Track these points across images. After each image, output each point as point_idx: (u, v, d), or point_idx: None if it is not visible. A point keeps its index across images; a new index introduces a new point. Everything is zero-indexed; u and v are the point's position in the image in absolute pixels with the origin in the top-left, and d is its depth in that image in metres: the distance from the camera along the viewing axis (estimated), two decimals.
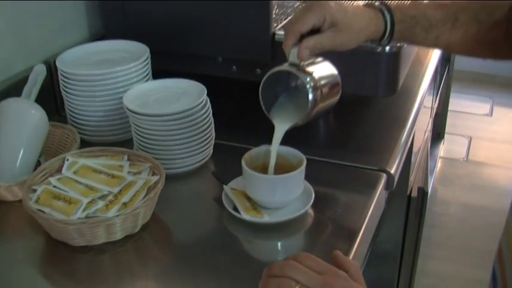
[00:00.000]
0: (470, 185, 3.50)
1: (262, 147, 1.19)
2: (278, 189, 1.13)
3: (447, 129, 3.73)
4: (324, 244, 1.11)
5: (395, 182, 1.29)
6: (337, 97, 1.19)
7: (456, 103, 4.04)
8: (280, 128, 1.15)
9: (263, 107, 1.15)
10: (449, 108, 3.65)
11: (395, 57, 1.34)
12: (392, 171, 1.28)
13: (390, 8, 1.13)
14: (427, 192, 2.20)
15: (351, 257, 1.06)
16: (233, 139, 1.39)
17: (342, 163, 1.32)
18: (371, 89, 1.37)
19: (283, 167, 1.16)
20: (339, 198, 1.23)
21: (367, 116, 1.53)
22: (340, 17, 1.08)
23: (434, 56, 1.86)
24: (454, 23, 1.14)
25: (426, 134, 2.43)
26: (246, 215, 1.13)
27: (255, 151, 1.19)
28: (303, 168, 1.13)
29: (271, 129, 1.25)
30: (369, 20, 1.12)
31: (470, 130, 4.02)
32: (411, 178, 1.99)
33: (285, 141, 1.17)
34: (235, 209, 1.15)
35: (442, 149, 3.72)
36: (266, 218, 1.13)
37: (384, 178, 1.27)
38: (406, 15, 1.14)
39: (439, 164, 3.66)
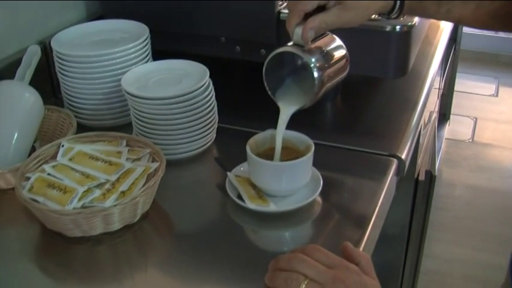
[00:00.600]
0: (475, 166, 3.45)
1: (268, 132, 1.14)
2: (285, 177, 1.08)
3: (453, 110, 3.68)
4: (333, 233, 1.06)
5: (406, 168, 1.24)
6: (346, 72, 1.13)
7: (462, 83, 3.98)
8: (286, 110, 1.10)
9: (268, 89, 1.10)
10: (454, 89, 3.60)
11: (405, 37, 1.28)
12: (403, 157, 1.23)
13: None
14: (435, 176, 2.16)
15: (361, 246, 1.02)
16: (237, 123, 1.34)
17: (351, 148, 1.27)
18: (381, 71, 1.32)
19: (290, 153, 1.11)
20: (348, 185, 1.19)
21: (376, 98, 1.48)
22: None
23: (444, 36, 1.81)
24: None
25: (433, 115, 2.39)
26: (251, 204, 1.08)
27: (260, 136, 1.14)
28: (310, 154, 1.08)
29: (277, 112, 1.20)
30: None
31: (476, 111, 3.96)
32: (419, 161, 1.94)
33: (291, 125, 1.12)
34: (240, 197, 1.10)
35: (448, 130, 3.67)
36: (272, 207, 1.08)
37: (394, 164, 1.22)
38: None
39: (444, 146, 3.60)
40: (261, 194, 1.11)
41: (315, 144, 1.10)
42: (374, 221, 1.07)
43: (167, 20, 1.42)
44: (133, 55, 1.28)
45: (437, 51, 1.69)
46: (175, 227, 1.09)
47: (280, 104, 1.10)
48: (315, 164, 1.12)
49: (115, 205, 0.98)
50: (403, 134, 1.30)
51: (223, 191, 1.12)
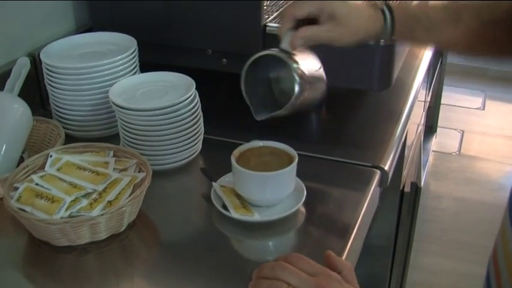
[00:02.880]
0: (462, 179, 3.48)
1: (253, 143, 1.16)
2: (269, 187, 1.10)
3: (439, 122, 3.71)
4: (316, 243, 1.08)
5: (389, 179, 1.26)
6: (322, 95, 1.16)
7: (448, 96, 4.01)
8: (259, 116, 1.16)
9: (243, 91, 1.14)
10: (441, 102, 3.63)
11: (389, 51, 1.31)
12: (386, 168, 1.25)
13: (391, 7, 1.10)
14: (420, 187, 2.18)
15: (344, 256, 1.03)
16: (223, 134, 1.36)
17: (335, 159, 1.29)
18: (365, 83, 1.34)
19: (277, 158, 1.14)
20: (332, 196, 1.20)
21: (360, 110, 1.50)
22: (340, 11, 1.06)
23: (428, 49, 1.83)
24: (457, 22, 1.11)
25: (419, 128, 2.41)
26: (235, 214, 1.09)
27: (245, 146, 1.15)
28: (294, 164, 1.10)
29: (261, 123, 1.22)
30: (369, 17, 1.10)
31: (463, 124, 4.00)
32: (404, 173, 1.96)
33: (276, 136, 1.14)
34: (225, 206, 1.11)
35: (435, 143, 3.70)
36: (256, 217, 1.09)
37: (377, 175, 1.24)
38: (407, 15, 1.12)
39: (431, 158, 3.63)
40: (245, 203, 1.12)
41: (300, 155, 1.12)
42: (357, 231, 1.09)
43: (155, 32, 1.44)
44: (121, 67, 1.30)
45: (421, 64, 1.72)
46: (161, 236, 1.10)
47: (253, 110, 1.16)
48: (299, 174, 1.13)
49: (102, 214, 1.00)
50: (387, 146, 1.32)
51: (208, 201, 1.13)
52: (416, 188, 2.13)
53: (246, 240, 1.10)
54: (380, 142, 1.33)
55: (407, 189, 1.99)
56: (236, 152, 1.13)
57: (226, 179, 1.18)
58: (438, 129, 3.73)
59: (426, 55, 1.78)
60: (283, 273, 0.83)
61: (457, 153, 3.72)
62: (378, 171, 1.24)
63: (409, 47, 1.62)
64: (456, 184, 3.43)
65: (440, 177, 3.50)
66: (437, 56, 3.16)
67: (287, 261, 0.85)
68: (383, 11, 1.10)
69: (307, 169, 1.17)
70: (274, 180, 1.10)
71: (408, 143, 1.99)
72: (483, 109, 4.23)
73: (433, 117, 3.61)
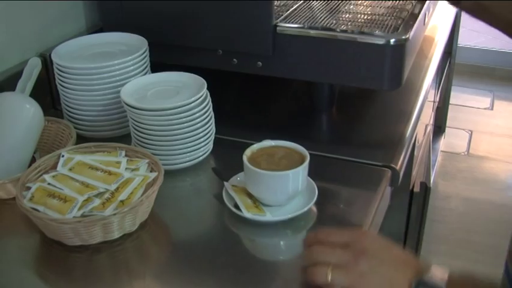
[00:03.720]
0: (471, 179, 3.47)
1: (265, 143, 1.16)
2: (280, 186, 1.10)
3: (448, 122, 3.70)
4: None
5: (400, 178, 1.26)
6: None
7: (457, 96, 4.00)
8: None
9: None
10: (450, 102, 3.62)
11: (400, 50, 1.30)
12: (397, 167, 1.25)
13: None
14: (430, 188, 2.18)
15: None
16: (235, 134, 1.36)
17: (346, 158, 1.29)
18: (376, 83, 1.33)
19: (289, 158, 1.14)
20: (343, 195, 1.20)
21: (370, 110, 1.50)
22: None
23: (438, 49, 1.83)
24: None
25: (428, 128, 2.41)
26: (247, 213, 1.10)
27: (257, 146, 1.16)
28: (306, 164, 1.10)
29: (273, 123, 1.22)
30: None
31: (471, 124, 3.99)
32: (414, 173, 1.96)
33: (287, 135, 1.15)
34: (237, 206, 1.12)
35: (443, 143, 3.69)
36: (268, 216, 1.10)
37: (388, 174, 1.24)
38: None
39: (440, 158, 3.62)
40: (257, 203, 1.12)
41: (311, 154, 1.12)
42: (369, 230, 1.09)
43: (165, 32, 1.44)
44: (132, 67, 1.30)
45: (431, 64, 1.71)
46: (173, 236, 1.11)
47: None
48: (311, 174, 1.13)
49: (114, 214, 1.00)
50: (398, 145, 1.32)
51: (220, 200, 1.14)
52: (425, 188, 2.13)
53: (258, 239, 1.10)
54: (390, 142, 1.34)
55: (416, 189, 1.99)
56: (248, 152, 1.14)
57: (238, 179, 1.18)
58: (447, 129, 3.72)
59: (436, 55, 1.78)
60: (321, 256, 0.88)
61: (466, 153, 3.72)
62: (389, 171, 1.24)
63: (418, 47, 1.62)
64: (465, 184, 3.43)
65: (449, 177, 3.49)
66: (446, 56, 3.16)
67: (318, 240, 0.89)
68: None
69: (318, 169, 1.17)
70: (286, 180, 1.10)
71: (418, 143, 1.99)
72: (491, 109, 4.22)
73: (442, 117, 3.60)
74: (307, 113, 1.49)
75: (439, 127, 3.59)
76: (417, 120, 1.45)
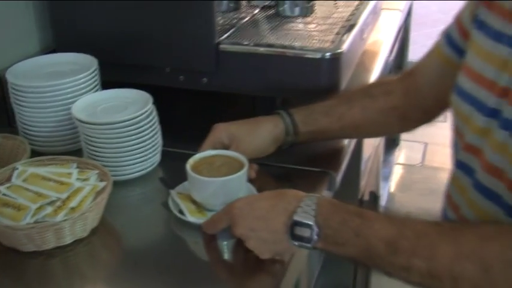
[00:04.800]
0: (426, 189, 3.56)
1: (207, 152, 1.24)
2: (222, 192, 1.17)
3: (403, 136, 3.80)
4: None
5: (337, 182, 1.34)
6: None
7: None
8: None
9: None
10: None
11: (335, 63, 1.40)
12: (334, 172, 1.33)
13: (290, 112, 1.32)
14: (379, 196, 2.27)
15: (294, 257, 1.10)
16: (182, 146, 1.42)
17: (288, 166, 1.37)
18: (312, 94, 1.41)
19: (229, 165, 1.21)
20: None
21: None
22: (239, 133, 1.29)
23: (380, 61, 1.91)
24: (349, 102, 1.32)
25: (377, 141, 2.49)
26: (191, 217, 1.17)
27: (199, 156, 1.24)
28: (244, 170, 1.18)
29: None
30: (268, 132, 1.31)
31: (426, 136, 4.09)
32: (362, 183, 2.04)
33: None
34: (181, 212, 1.19)
35: (398, 156, 3.79)
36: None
37: (326, 179, 1.32)
38: (307, 112, 1.33)
39: (395, 170, 3.73)
40: (200, 208, 1.20)
41: (255, 163, 1.20)
42: None
43: (115, 52, 1.51)
44: (82, 85, 1.37)
45: (372, 77, 1.80)
46: (123, 242, 1.18)
47: None
48: (253, 181, 1.22)
49: (65, 220, 1.07)
50: (336, 154, 1.41)
51: (167, 208, 1.20)
52: (374, 197, 2.23)
53: (202, 241, 1.16)
54: (330, 150, 1.42)
55: (366, 198, 2.07)
56: (191, 161, 1.21)
57: (183, 187, 1.25)
58: (402, 142, 3.83)
59: (377, 68, 1.87)
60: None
61: (421, 164, 3.82)
62: (328, 176, 1.32)
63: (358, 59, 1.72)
64: (420, 195, 3.52)
65: (405, 188, 3.59)
66: (397, 71, 3.25)
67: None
68: (281, 116, 1.31)
69: (262, 176, 1.26)
70: (227, 185, 1.17)
71: (365, 155, 2.08)
72: (445, 121, 4.31)
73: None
74: None
75: (393, 140, 3.69)
76: None
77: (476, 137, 1.05)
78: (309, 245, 0.99)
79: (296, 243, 1.00)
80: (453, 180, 1.14)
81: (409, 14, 2.92)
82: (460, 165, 1.11)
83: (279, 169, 1.37)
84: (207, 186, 1.18)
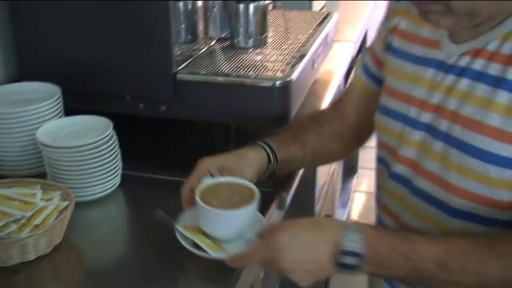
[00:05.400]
0: None
1: (213, 179, 1.22)
2: (239, 223, 1.15)
3: (360, 164, 3.90)
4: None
5: (287, 202, 1.43)
6: None
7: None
8: None
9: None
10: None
11: (285, 91, 1.49)
12: (284, 193, 1.42)
13: (268, 143, 1.35)
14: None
15: (242, 274, 1.17)
16: (143, 170, 1.50)
17: None
18: (265, 121, 1.52)
19: (238, 193, 1.19)
20: None
21: None
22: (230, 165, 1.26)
23: (331, 90, 2.01)
24: (305, 129, 1.42)
25: (332, 168, 2.58)
26: (213, 253, 1.13)
27: (204, 185, 1.20)
28: (259, 198, 1.17)
29: (177, 159, 1.38)
30: (255, 161, 1.31)
31: None
32: (317, 207, 2.13)
33: (190, 170, 1.28)
34: (197, 246, 1.15)
35: (356, 183, 3.89)
36: (230, 252, 1.14)
37: (276, 198, 1.40)
38: (274, 138, 1.38)
39: (357, 198, 3.83)
40: (214, 240, 1.17)
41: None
42: None
43: (78, 81, 1.58)
44: (46, 112, 1.44)
45: (323, 104, 1.89)
46: (84, 258, 1.25)
47: None
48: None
49: (30, 236, 1.14)
50: (287, 176, 1.49)
51: (128, 227, 1.28)
52: None
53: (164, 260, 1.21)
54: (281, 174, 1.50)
55: None
56: (199, 191, 1.17)
57: (188, 219, 1.21)
58: (359, 170, 3.93)
59: (329, 95, 1.96)
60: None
61: None
62: (277, 196, 1.41)
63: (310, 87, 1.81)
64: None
65: (363, 215, 3.68)
66: None
67: None
68: (260, 145, 1.34)
69: None
70: (244, 216, 1.15)
71: (320, 181, 2.18)
72: None
73: (353, 159, 3.80)
74: (208, 150, 1.64)
75: (351, 168, 3.79)
76: None
77: (412, 150, 1.19)
78: (355, 271, 1.02)
79: (342, 270, 1.03)
80: (389, 192, 1.26)
81: (363, 43, 3.03)
82: (395, 177, 1.23)
83: None
84: (224, 219, 1.15)
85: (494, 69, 1.07)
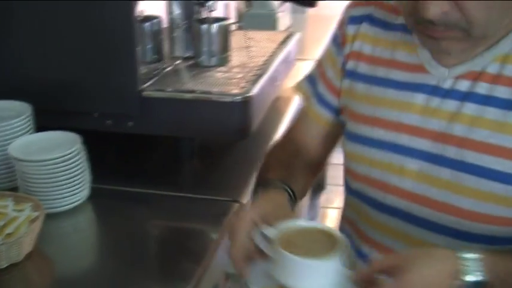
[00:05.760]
0: None
1: (292, 223, 1.06)
2: (326, 274, 0.98)
3: (329, 180, 3.97)
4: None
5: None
6: None
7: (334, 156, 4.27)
8: None
9: None
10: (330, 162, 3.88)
11: (245, 106, 1.57)
12: (244, 201, 1.49)
13: (290, 187, 1.23)
14: None
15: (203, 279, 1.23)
16: (112, 183, 1.56)
17: (204, 197, 1.52)
18: (226, 134, 1.60)
19: (319, 241, 1.02)
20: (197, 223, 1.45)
21: (227, 158, 1.75)
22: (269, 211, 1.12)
23: (293, 106, 2.09)
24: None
25: None
26: None
27: (284, 227, 1.04)
28: (346, 244, 1.02)
29: (144, 172, 1.45)
30: (286, 201, 1.20)
31: None
32: None
33: (156, 182, 1.38)
34: None
35: (324, 199, 3.96)
36: None
37: (235, 207, 1.47)
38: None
39: (324, 213, 3.90)
40: None
41: (175, 197, 1.39)
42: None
43: (48, 99, 1.63)
44: (17, 128, 1.50)
45: (285, 120, 1.98)
46: (54, 266, 1.31)
47: None
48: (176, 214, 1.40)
49: (2, 244, 1.21)
50: (245, 184, 1.57)
51: (98, 238, 1.36)
52: None
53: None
54: (241, 182, 1.58)
55: None
56: (278, 240, 1.00)
57: (257, 279, 1.05)
58: (328, 186, 3.99)
59: (290, 112, 2.04)
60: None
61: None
62: (237, 204, 1.48)
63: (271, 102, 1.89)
64: None
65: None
66: None
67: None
68: (276, 184, 1.22)
69: (181, 208, 1.45)
70: (333, 266, 0.98)
71: None
72: None
73: (322, 176, 3.87)
74: (174, 162, 1.73)
75: (319, 185, 3.85)
76: None
77: (409, 180, 1.16)
78: None
79: None
80: (377, 226, 1.25)
81: None
82: (387, 210, 1.21)
83: (198, 200, 1.52)
84: (311, 270, 0.97)
85: (501, 92, 1.08)
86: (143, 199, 1.37)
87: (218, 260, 1.31)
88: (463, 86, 1.12)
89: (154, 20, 1.82)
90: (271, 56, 1.94)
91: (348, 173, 1.32)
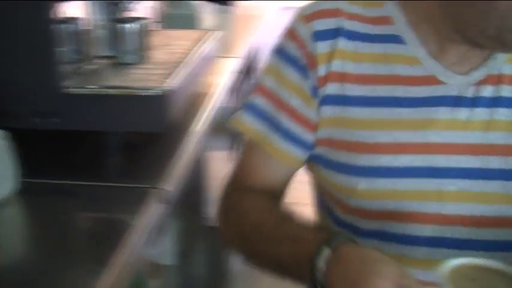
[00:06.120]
0: None
1: (467, 260, 0.93)
2: None
3: None
4: None
5: (173, 198, 1.60)
6: None
7: None
8: None
9: None
10: None
11: (163, 100, 1.67)
12: (166, 187, 1.58)
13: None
14: None
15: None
16: (43, 177, 1.61)
17: (131, 186, 1.60)
18: (146, 127, 1.70)
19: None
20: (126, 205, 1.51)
21: (154, 150, 1.82)
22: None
23: (215, 102, 2.21)
24: None
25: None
26: None
27: (456, 264, 0.91)
28: None
29: (72, 166, 1.59)
30: None
31: None
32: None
33: (83, 174, 1.46)
34: None
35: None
36: None
37: (156, 194, 1.54)
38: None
39: None
40: None
41: (102, 187, 1.47)
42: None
43: None
44: None
45: (204, 115, 2.08)
46: None
47: None
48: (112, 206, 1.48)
49: None
50: (166, 170, 1.67)
51: (27, 230, 1.42)
52: None
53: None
54: (165, 170, 1.67)
55: None
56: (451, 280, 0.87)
57: None
58: None
59: (210, 108, 2.15)
60: None
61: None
62: (160, 191, 1.56)
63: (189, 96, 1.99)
64: None
65: None
66: None
67: None
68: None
69: (113, 197, 1.52)
70: None
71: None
72: None
73: None
74: (101, 156, 1.80)
75: None
76: (187, 156, 1.80)
77: (450, 203, 1.07)
78: None
79: None
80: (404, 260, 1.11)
81: (254, 60, 3.20)
82: (420, 241, 1.11)
83: (127, 189, 1.59)
84: None
85: None
86: (73, 191, 1.43)
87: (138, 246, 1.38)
88: (487, 91, 1.07)
89: (74, 21, 1.87)
90: (190, 53, 2.03)
91: (343, 209, 1.21)
